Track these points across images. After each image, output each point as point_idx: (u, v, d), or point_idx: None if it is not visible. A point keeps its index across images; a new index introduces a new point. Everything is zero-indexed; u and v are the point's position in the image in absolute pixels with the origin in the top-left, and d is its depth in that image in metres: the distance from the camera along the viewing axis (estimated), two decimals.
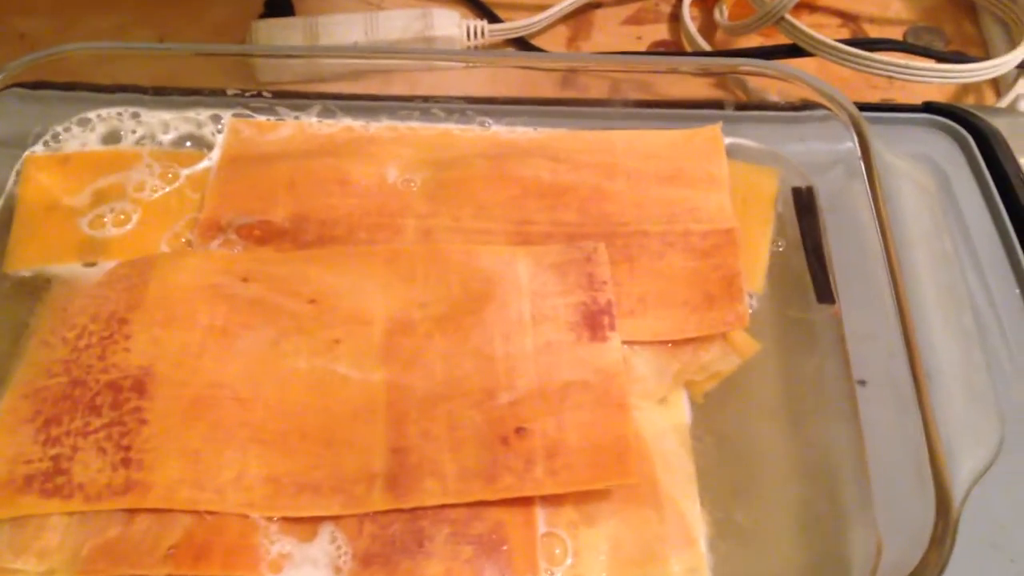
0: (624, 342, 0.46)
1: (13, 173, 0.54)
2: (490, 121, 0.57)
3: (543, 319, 0.46)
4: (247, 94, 0.57)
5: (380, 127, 0.56)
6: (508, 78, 0.59)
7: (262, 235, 0.50)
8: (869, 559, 0.40)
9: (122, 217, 0.52)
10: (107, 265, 0.49)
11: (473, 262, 0.48)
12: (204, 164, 0.54)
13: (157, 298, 0.46)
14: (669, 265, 0.50)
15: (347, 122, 0.57)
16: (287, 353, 0.45)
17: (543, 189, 0.52)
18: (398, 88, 0.59)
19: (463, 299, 0.47)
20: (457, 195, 0.52)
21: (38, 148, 0.55)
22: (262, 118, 0.56)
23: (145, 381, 0.43)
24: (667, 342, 0.47)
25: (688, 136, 0.55)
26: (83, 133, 0.56)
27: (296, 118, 0.57)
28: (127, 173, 0.53)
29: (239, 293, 0.47)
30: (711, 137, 0.55)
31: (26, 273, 0.50)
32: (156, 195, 0.53)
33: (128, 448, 0.42)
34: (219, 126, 0.56)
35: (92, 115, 0.56)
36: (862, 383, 0.46)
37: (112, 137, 0.56)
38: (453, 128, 0.57)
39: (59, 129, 0.55)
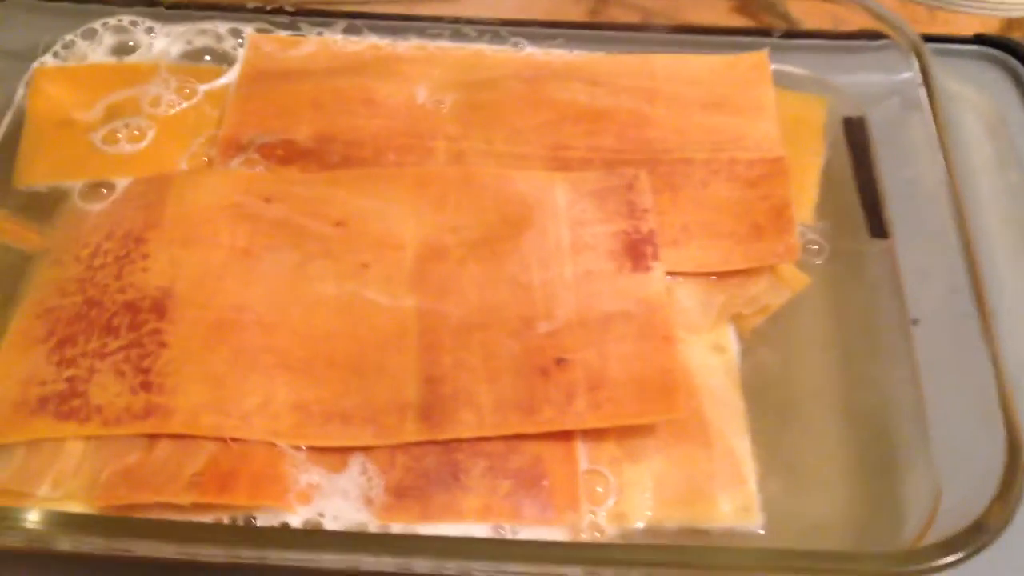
0: (668, 273, 0.44)
1: (22, 85, 0.51)
2: (524, 42, 0.54)
3: (582, 247, 0.44)
4: (268, 8, 0.54)
5: (408, 46, 0.54)
6: (539, 2, 0.55)
7: (285, 155, 0.48)
8: (927, 504, 0.38)
9: (136, 133, 0.49)
10: (121, 182, 0.47)
11: (508, 187, 0.46)
12: (224, 80, 0.52)
13: (176, 217, 0.44)
14: (714, 194, 0.47)
15: (373, 40, 0.54)
16: (313, 277, 0.43)
17: (580, 113, 0.49)
18: (426, 9, 0.56)
19: (498, 225, 0.45)
20: (490, 118, 0.49)
21: (47, 59, 0.52)
22: (284, 33, 0.53)
23: (164, 302, 0.41)
24: (712, 274, 0.45)
25: (733, 62, 0.53)
26: (93, 45, 0.53)
27: (319, 34, 0.54)
28: (142, 87, 0.51)
29: (262, 213, 0.45)
30: (757, 63, 0.52)
31: (37, 188, 0.47)
32: (172, 111, 0.50)
33: (147, 371, 0.40)
34: (239, 40, 0.53)
35: (101, 25, 0.53)
36: (915, 322, 0.44)
37: (124, 49, 0.53)
38: (485, 48, 0.54)
39: (69, 38, 0.53)
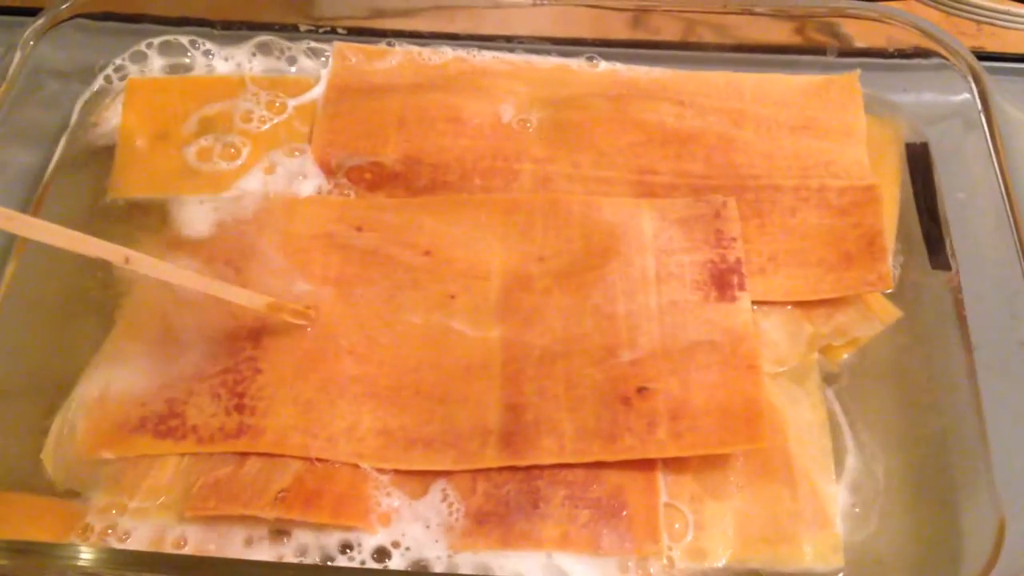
0: (754, 302, 0.44)
1: (77, 110, 0.52)
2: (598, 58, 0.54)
3: (668, 277, 0.44)
4: (320, 30, 0.54)
5: (493, 58, 0.53)
6: (577, 16, 0.54)
7: (373, 179, 0.48)
8: (990, 537, 0.37)
9: (232, 151, 0.50)
10: (216, 199, 0.48)
11: (595, 214, 0.46)
12: (311, 94, 0.52)
13: (272, 246, 0.45)
14: (803, 222, 0.46)
15: (458, 52, 0.54)
16: (402, 308, 0.44)
17: (667, 135, 0.49)
18: (488, 27, 0.55)
19: (584, 254, 0.45)
20: (576, 139, 0.49)
21: (98, 83, 0.53)
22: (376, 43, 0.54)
23: (260, 331, 0.42)
24: (799, 303, 0.45)
25: (823, 84, 0.51)
26: (146, 65, 0.54)
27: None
28: (233, 101, 0.52)
29: (353, 243, 0.45)
30: (848, 86, 0.51)
31: (136, 199, 0.49)
32: (264, 127, 0.51)
33: (242, 395, 0.41)
34: (301, 53, 0.54)
35: (146, 45, 0.54)
36: (975, 347, 0.43)
37: (181, 68, 0.54)
38: (571, 63, 0.53)
39: (119, 62, 0.53)
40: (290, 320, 0.42)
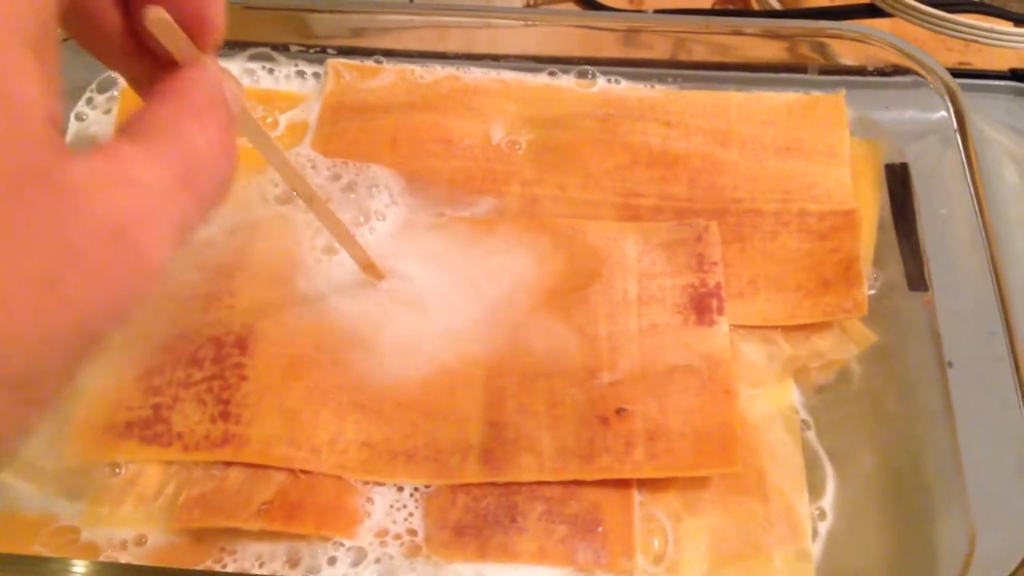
0: (733, 325, 0.45)
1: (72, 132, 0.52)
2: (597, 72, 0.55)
3: (649, 300, 0.45)
4: (311, 50, 0.55)
5: (484, 77, 0.55)
6: (568, 35, 0.56)
7: None
8: (962, 553, 0.38)
9: None
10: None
11: (580, 237, 0.47)
12: (301, 109, 0.53)
13: (263, 258, 0.46)
14: (782, 246, 0.47)
15: (449, 70, 0.55)
16: (388, 321, 0.44)
17: (653, 158, 0.50)
18: (480, 46, 0.56)
19: (568, 275, 0.46)
20: (564, 161, 0.50)
21: (84, 104, 0.53)
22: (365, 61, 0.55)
23: (247, 338, 0.43)
24: (778, 327, 0.45)
25: (808, 103, 0.52)
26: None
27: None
28: None
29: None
30: (833, 106, 0.52)
31: None
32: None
33: (227, 402, 0.42)
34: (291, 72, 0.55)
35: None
36: (950, 365, 0.44)
37: None
38: (561, 81, 0.54)
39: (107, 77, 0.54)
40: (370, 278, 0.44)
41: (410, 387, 0.42)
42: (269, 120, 0.53)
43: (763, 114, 0.52)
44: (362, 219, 0.48)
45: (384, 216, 0.48)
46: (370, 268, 0.44)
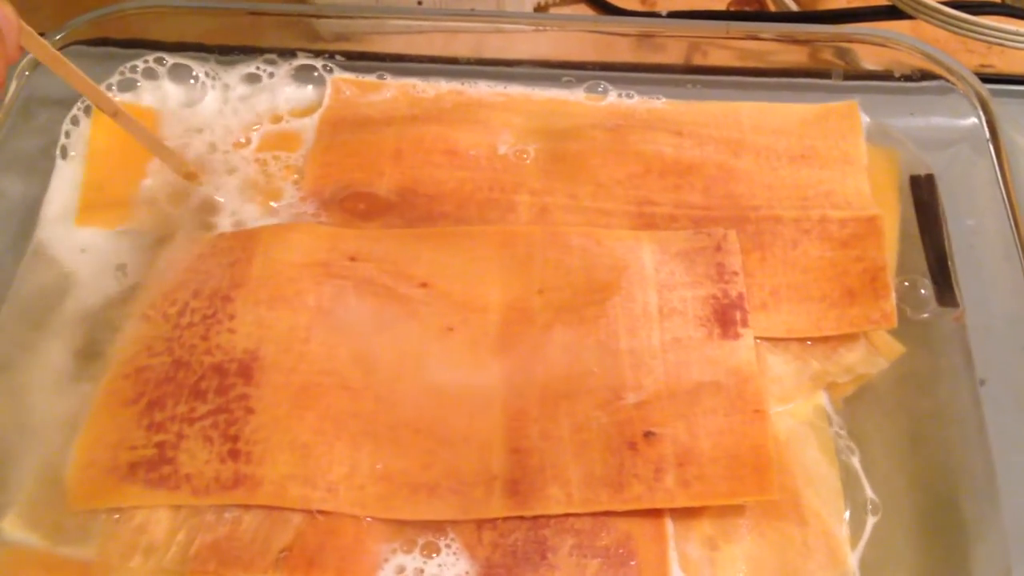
0: (757, 338, 0.43)
1: (62, 133, 0.50)
2: (608, 85, 0.53)
3: (671, 312, 0.43)
4: (320, 55, 0.53)
5: (489, 91, 0.53)
6: (580, 40, 0.54)
7: (367, 209, 0.47)
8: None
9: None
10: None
11: (595, 247, 0.45)
12: (304, 123, 0.51)
13: (262, 276, 0.44)
14: (804, 254, 0.46)
15: (453, 84, 0.53)
16: (398, 340, 0.42)
17: (666, 166, 0.48)
18: (488, 52, 0.54)
19: (585, 288, 0.44)
20: (574, 170, 0.48)
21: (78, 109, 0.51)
22: (364, 77, 0.53)
23: (251, 365, 0.41)
24: (803, 339, 0.44)
25: (821, 113, 0.51)
26: (143, 89, 0.52)
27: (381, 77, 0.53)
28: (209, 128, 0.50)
29: (348, 273, 0.44)
30: (847, 114, 0.51)
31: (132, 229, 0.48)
32: (258, 155, 0.50)
33: (236, 439, 0.39)
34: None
35: (130, 68, 0.52)
36: (982, 382, 0.42)
37: (178, 96, 0.52)
38: (568, 94, 0.53)
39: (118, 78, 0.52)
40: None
41: (425, 411, 0.41)
42: (271, 126, 0.50)
43: (775, 124, 0.51)
44: None
45: None
46: (188, 173, 0.45)
